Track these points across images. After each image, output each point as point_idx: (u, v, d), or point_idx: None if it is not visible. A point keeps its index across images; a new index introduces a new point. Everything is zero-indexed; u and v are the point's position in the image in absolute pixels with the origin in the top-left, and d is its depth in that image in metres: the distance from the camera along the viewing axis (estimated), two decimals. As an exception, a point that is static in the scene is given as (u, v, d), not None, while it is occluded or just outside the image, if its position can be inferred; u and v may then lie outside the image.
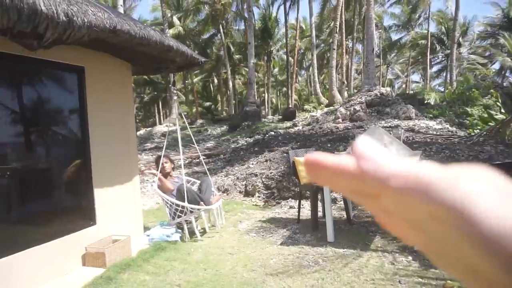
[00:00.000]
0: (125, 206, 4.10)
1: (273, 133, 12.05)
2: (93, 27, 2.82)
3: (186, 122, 5.59)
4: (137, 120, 47.30)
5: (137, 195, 4.39)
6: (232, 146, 11.81)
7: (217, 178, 7.63)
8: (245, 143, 11.72)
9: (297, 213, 4.92)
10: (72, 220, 3.54)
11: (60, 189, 3.58)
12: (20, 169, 3.22)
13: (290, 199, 5.98)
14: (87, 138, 3.63)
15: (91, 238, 3.57)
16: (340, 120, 11.44)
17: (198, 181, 5.05)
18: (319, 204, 4.81)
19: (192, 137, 5.56)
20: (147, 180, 8.02)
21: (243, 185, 6.77)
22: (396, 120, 10.55)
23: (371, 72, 12.67)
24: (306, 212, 5.20)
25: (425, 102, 13.75)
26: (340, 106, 12.28)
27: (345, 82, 26.90)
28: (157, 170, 4.65)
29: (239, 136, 13.51)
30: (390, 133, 4.04)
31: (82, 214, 3.65)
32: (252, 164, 7.59)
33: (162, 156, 4.69)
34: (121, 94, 4.16)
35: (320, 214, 4.77)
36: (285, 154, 7.31)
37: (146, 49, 3.59)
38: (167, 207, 4.38)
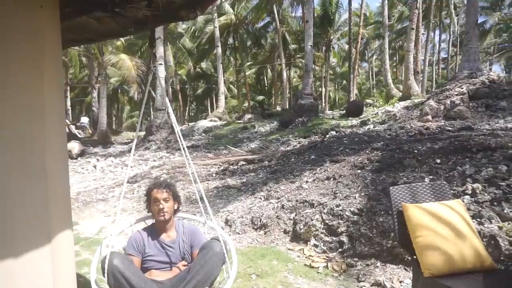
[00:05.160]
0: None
1: (335, 133, 9.31)
2: None
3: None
4: (191, 114, 46.57)
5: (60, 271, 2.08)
6: (281, 148, 9.29)
7: (253, 201, 5.19)
8: (298, 145, 9.13)
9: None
10: None
11: None
12: None
13: (373, 259, 3.33)
14: None
15: None
16: (429, 117, 8.36)
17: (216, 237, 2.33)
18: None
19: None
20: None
21: (290, 219, 4.24)
22: (519, 118, 7.24)
23: (473, 51, 9.25)
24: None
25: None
26: (429, 99, 9.12)
27: (419, 72, 22.97)
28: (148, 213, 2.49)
29: (291, 135, 10.95)
30: None
31: None
32: (307, 182, 5.02)
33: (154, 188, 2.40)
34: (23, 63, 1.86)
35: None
36: (358, 171, 4.63)
37: None
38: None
